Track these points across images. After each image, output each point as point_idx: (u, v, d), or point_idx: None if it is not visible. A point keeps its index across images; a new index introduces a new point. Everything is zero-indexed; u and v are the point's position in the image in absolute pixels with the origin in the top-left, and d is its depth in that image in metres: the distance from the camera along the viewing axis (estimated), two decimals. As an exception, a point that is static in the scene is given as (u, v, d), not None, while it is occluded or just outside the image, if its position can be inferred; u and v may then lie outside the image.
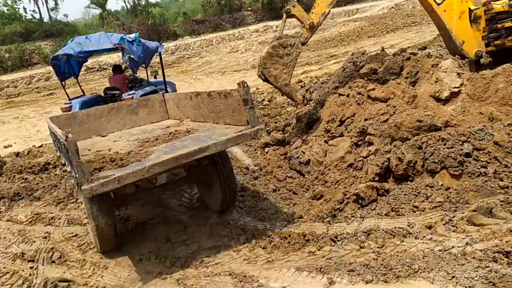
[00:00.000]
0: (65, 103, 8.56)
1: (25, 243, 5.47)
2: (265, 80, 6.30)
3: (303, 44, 6.36)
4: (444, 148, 4.89)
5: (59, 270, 4.66)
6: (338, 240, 4.38)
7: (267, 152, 7.01)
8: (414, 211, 4.66)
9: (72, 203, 6.55)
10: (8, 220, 6.31)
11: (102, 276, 4.42)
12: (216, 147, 4.28)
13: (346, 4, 48.33)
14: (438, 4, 6.41)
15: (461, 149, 4.86)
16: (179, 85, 20.21)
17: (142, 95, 7.91)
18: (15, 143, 11.58)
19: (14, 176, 8.10)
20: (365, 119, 5.98)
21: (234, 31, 41.00)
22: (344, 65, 7.45)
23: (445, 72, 5.90)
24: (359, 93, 6.29)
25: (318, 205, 5.25)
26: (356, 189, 5.04)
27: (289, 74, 6.24)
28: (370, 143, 5.68)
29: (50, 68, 32.93)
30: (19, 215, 6.37)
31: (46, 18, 41.27)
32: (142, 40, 8.11)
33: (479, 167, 4.73)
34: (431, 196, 4.75)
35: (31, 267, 4.79)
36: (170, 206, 5.98)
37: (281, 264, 4.15)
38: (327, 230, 4.64)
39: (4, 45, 35.37)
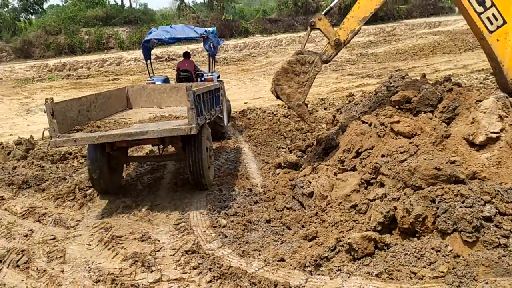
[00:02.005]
0: (148, 80, 9.59)
1: (6, 238, 5.34)
2: (278, 97, 5.72)
3: (326, 62, 5.70)
4: (461, 207, 4.07)
5: (18, 277, 4.43)
6: (309, 299, 3.75)
7: (277, 174, 6.44)
8: (411, 278, 3.90)
9: (69, 200, 6.38)
10: (5, 209, 6.25)
11: (52, 293, 4.11)
12: (144, 134, 5.45)
13: (430, 15, 45.95)
14: (491, 32, 5.46)
15: (482, 211, 4.02)
16: (233, 83, 20.04)
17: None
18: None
19: (33, 162, 8.14)
20: (382, 155, 5.23)
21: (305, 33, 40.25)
22: (378, 88, 6.68)
23: (485, 112, 4.99)
24: (382, 124, 5.54)
25: (307, 247, 4.61)
26: (349, 238, 4.35)
27: (304, 94, 5.61)
28: (382, 185, 4.94)
29: (122, 53, 34.32)
30: (17, 206, 6.30)
31: (126, 6, 42.82)
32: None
33: (499, 236, 3.88)
34: (435, 262, 3.97)
35: (-5, 268, 4.60)
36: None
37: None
38: (304, 283, 4.01)
39: (85, 27, 37.16)
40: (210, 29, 9.99)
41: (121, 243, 4.94)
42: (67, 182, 7.12)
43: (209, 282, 4.14)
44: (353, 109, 6.89)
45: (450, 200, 4.17)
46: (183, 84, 8.11)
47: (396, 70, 18.57)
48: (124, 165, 7.28)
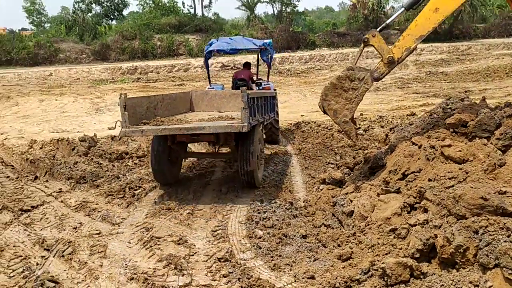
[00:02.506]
0: (209, 88, 10.39)
1: (57, 229, 5.68)
2: (324, 112, 5.67)
3: (377, 80, 5.58)
4: (505, 241, 3.81)
5: (61, 267, 4.69)
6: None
7: (321, 190, 6.36)
8: (445, 310, 3.71)
9: (119, 198, 6.68)
10: (61, 201, 6.66)
11: (88, 286, 4.32)
12: (203, 129, 6.15)
13: (509, 36, 43.44)
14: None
15: (529, 248, 3.74)
16: (293, 95, 20.07)
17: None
18: (118, 126, 12.42)
19: (92, 159, 8.62)
20: (429, 180, 5.01)
21: (373, 49, 39.56)
22: (434, 109, 6.43)
23: (544, 142, 4.66)
24: (433, 147, 5.31)
25: (340, 267, 4.51)
26: (383, 263, 4.20)
27: (351, 111, 5.52)
28: (425, 210, 4.73)
29: (191, 60, 35.50)
30: (72, 199, 6.69)
31: (199, 14, 44.33)
32: None
33: (545, 277, 3.58)
34: (472, 297, 3.74)
35: (42, 256, 4.91)
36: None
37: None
38: (330, 303, 3.93)
39: (158, 34, 38.87)
40: (267, 41, 10.55)
41: (159, 244, 5.09)
42: (120, 180, 7.46)
43: (237, 292, 4.16)
44: (406, 129, 6.67)
45: (494, 233, 3.91)
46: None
47: (466, 91, 17.78)
48: (183, 160, 7.96)
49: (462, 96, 6.59)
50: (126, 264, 4.67)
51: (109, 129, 11.93)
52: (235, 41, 10.44)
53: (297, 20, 46.31)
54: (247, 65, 10.86)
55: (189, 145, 8.31)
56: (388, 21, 5.71)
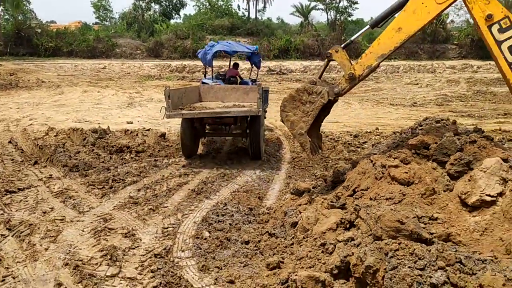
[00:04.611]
0: (215, 82, 12.02)
1: (29, 211, 6.13)
2: (283, 122, 5.76)
3: (338, 95, 5.58)
4: (410, 267, 3.77)
5: (13, 247, 5.09)
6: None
7: (284, 199, 6.44)
8: (339, 330, 3.73)
9: (98, 188, 7.07)
10: (47, 187, 7.16)
11: (25, 266, 4.69)
12: (228, 113, 8.49)
13: None
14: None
15: (430, 276, 3.67)
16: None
17: None
18: (138, 121, 13.02)
19: (93, 150, 9.14)
20: (370, 198, 5.00)
21: (427, 63, 38.43)
22: (405, 129, 6.32)
23: (484, 171, 4.50)
24: (383, 166, 5.27)
25: (264, 275, 4.60)
26: (296, 275, 4.26)
27: (307, 124, 5.56)
28: (359, 228, 4.72)
29: (239, 61, 36.13)
30: (56, 185, 7.19)
31: (252, 17, 44.92)
32: None
33: (439, 308, 3.52)
34: (367, 319, 3.74)
35: (2, 235, 5.36)
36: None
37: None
38: (235, 309, 4.05)
39: (211, 35, 39.84)
40: (255, 47, 12.55)
41: (108, 235, 5.40)
42: (109, 172, 7.89)
43: (155, 287, 4.36)
44: (379, 146, 6.60)
45: (402, 258, 3.87)
46: (241, 86, 10.98)
47: (505, 114, 16.95)
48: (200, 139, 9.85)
49: (439, 118, 6.41)
50: (69, 250, 5.00)
51: (128, 123, 12.55)
52: (233, 45, 12.30)
53: (353, 29, 45.69)
54: (236, 65, 13.12)
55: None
56: (352, 38, 5.71)
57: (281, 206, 6.22)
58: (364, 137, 11.31)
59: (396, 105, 20.41)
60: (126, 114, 14.45)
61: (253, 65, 12.80)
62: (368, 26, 5.63)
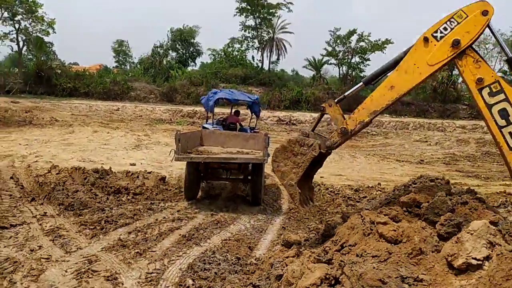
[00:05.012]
0: (214, 127, 12.19)
1: (17, 248, 6.11)
2: (274, 172, 5.78)
3: (330, 148, 5.61)
4: (387, 329, 3.65)
5: None
6: None
7: (274, 251, 6.34)
8: None
9: (90, 229, 7.05)
10: (40, 224, 7.17)
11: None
12: (235, 160, 8.92)
13: None
14: (511, 149, 4.90)
15: None
16: (330, 157, 19.96)
17: None
18: (141, 163, 13.13)
19: (92, 190, 9.19)
20: (357, 255, 4.91)
21: (437, 121, 38.57)
22: (398, 186, 6.29)
23: (471, 234, 4.42)
24: (372, 222, 5.20)
25: (243, 330, 4.48)
26: (274, 331, 4.14)
27: (297, 175, 5.56)
28: (343, 285, 4.61)
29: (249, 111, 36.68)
30: (48, 223, 7.19)
31: (265, 69, 45.94)
32: None
33: None
34: None
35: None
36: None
37: None
38: None
39: (224, 83, 40.71)
40: (256, 96, 12.95)
41: (91, 278, 5.34)
42: (103, 213, 7.89)
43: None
44: (372, 202, 6.54)
45: (380, 319, 3.76)
46: (241, 133, 11.39)
47: (512, 176, 16.71)
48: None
49: (433, 177, 6.38)
50: (48, 291, 4.95)
51: (131, 164, 12.65)
52: (235, 93, 12.75)
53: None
54: (237, 113, 13.87)
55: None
56: (346, 94, 5.79)
57: (269, 258, 6.12)
58: (365, 192, 11.21)
59: (403, 161, 20.35)
60: (130, 156, 14.59)
61: (253, 114, 13.37)
62: (361, 83, 5.74)
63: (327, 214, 8.90)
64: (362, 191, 11.38)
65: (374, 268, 4.15)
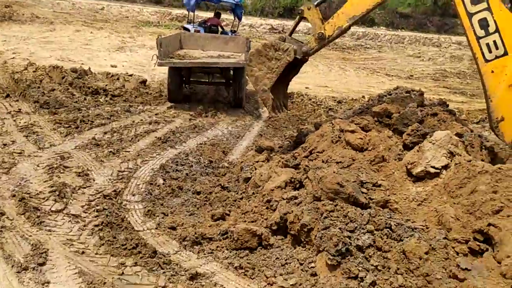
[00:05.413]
0: (195, 27, 12.15)
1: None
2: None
3: (307, 54, 5.47)
4: (339, 228, 3.81)
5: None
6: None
7: (248, 155, 6.45)
8: (264, 280, 3.82)
9: (64, 127, 7.04)
10: (14, 120, 7.13)
11: None
12: (218, 64, 8.98)
13: None
14: (486, 61, 4.77)
15: (357, 238, 3.73)
16: (320, 68, 19.66)
17: None
18: (123, 66, 12.84)
19: (69, 89, 9.06)
20: (322, 161, 5.01)
21: (434, 36, 37.64)
22: (373, 96, 6.27)
23: (433, 143, 4.49)
24: (341, 130, 5.25)
25: (207, 226, 4.66)
26: (234, 227, 4.33)
27: (271, 80, 5.46)
28: (305, 188, 4.76)
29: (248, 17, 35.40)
30: (23, 120, 7.16)
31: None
32: None
33: (360, 268, 3.57)
34: (292, 273, 3.83)
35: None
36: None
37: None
38: (172, 253, 4.11)
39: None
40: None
41: (62, 173, 5.44)
42: (80, 112, 7.83)
43: (96, 226, 4.42)
44: (347, 112, 6.56)
45: (335, 219, 3.92)
46: (222, 36, 11.41)
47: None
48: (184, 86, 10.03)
49: (410, 89, 6.35)
50: (19, 183, 5.04)
51: (111, 66, 12.38)
52: None
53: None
54: (218, 14, 13.42)
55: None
56: (326, -4, 5.54)
57: (241, 162, 6.25)
58: (348, 104, 11.21)
59: (392, 76, 20.17)
60: (113, 58, 14.19)
61: (235, 17, 13.19)
62: (343, -15, 5.45)
63: (306, 124, 8.94)
64: (345, 103, 11.37)
65: (333, 172, 4.25)
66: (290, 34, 5.71)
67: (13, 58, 11.67)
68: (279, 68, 5.45)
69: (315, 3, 5.45)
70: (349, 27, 5.37)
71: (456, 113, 6.24)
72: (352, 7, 5.24)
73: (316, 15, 5.40)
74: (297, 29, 5.95)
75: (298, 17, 5.60)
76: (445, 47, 36.20)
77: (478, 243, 3.68)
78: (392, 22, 40.54)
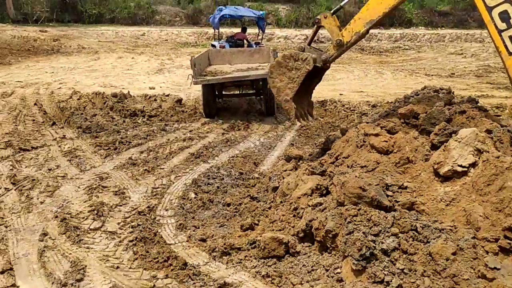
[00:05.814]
0: (220, 43, 13.49)
1: (36, 168, 6.56)
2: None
3: (326, 62, 5.51)
4: (363, 232, 3.81)
5: (13, 199, 5.53)
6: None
7: (278, 165, 6.53)
8: (290, 288, 3.87)
9: (104, 149, 7.41)
10: (59, 146, 7.58)
11: (19, 217, 5.08)
12: (249, 77, 9.43)
13: None
14: (511, 54, 4.64)
15: (382, 242, 3.72)
16: (355, 73, 19.48)
17: None
18: (160, 87, 13.30)
19: (109, 113, 9.51)
20: (348, 166, 5.02)
21: (476, 31, 36.40)
22: (400, 98, 6.20)
23: (459, 142, 4.40)
24: (366, 134, 5.23)
25: (236, 236, 4.77)
26: (261, 236, 4.41)
27: (292, 90, 5.53)
28: (331, 194, 4.77)
29: (276, 30, 35.73)
30: (67, 145, 7.59)
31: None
32: None
33: (386, 272, 3.56)
34: (318, 279, 3.86)
35: (6, 188, 5.80)
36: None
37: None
38: (201, 264, 4.25)
39: (250, 1, 39.37)
40: (262, 12, 13.68)
41: (101, 193, 5.73)
42: (119, 134, 8.20)
43: (131, 241, 4.63)
44: (374, 116, 6.51)
45: (358, 223, 3.92)
46: (246, 49, 11.97)
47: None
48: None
49: (438, 87, 6.22)
50: (62, 204, 5.37)
51: (150, 88, 12.86)
52: (240, 9, 13.49)
53: None
54: (244, 29, 14.44)
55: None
56: (342, 4, 5.58)
57: (270, 172, 6.33)
58: (383, 108, 11.05)
59: (432, 75, 19.66)
60: (151, 80, 14.73)
61: (259, 29, 13.94)
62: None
63: (338, 131, 8.91)
64: (380, 106, 11.23)
65: (356, 176, 4.25)
66: (309, 44, 5.76)
67: (60, 88, 12.39)
68: (299, 77, 5.52)
69: (331, 11, 5.51)
70: (367, 32, 5.38)
71: (487, 109, 6.05)
72: (368, 12, 5.24)
73: (333, 23, 5.45)
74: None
75: (315, 26, 5.67)
76: (488, 42, 34.79)
77: (508, 241, 3.58)
78: (431, 21, 39.61)
